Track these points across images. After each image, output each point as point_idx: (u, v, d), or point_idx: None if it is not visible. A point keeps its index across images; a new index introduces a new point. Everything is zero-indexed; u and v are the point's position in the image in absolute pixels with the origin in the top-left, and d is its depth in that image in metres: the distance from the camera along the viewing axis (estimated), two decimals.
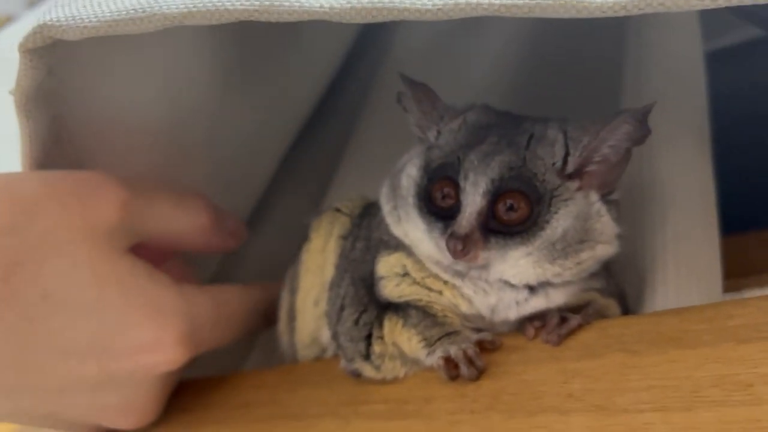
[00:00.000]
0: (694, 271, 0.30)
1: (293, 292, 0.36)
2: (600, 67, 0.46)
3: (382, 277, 0.31)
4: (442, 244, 0.28)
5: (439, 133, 0.30)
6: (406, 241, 0.31)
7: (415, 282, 0.30)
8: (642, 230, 0.33)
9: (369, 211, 0.35)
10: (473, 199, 0.27)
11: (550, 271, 0.28)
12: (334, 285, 0.33)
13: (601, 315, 0.30)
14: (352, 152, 0.51)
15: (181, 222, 0.35)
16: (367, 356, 0.31)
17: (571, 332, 0.28)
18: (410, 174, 0.30)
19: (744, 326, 0.23)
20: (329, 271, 0.35)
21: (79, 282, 0.31)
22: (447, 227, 0.28)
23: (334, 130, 0.55)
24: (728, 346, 0.23)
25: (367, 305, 0.31)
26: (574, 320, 0.28)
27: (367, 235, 0.33)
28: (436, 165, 0.29)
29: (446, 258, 0.28)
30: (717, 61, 0.40)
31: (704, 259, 0.31)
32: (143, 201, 0.33)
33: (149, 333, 0.32)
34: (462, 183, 0.28)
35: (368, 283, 0.32)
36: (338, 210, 0.36)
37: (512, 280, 0.29)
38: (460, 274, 0.29)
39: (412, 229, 0.30)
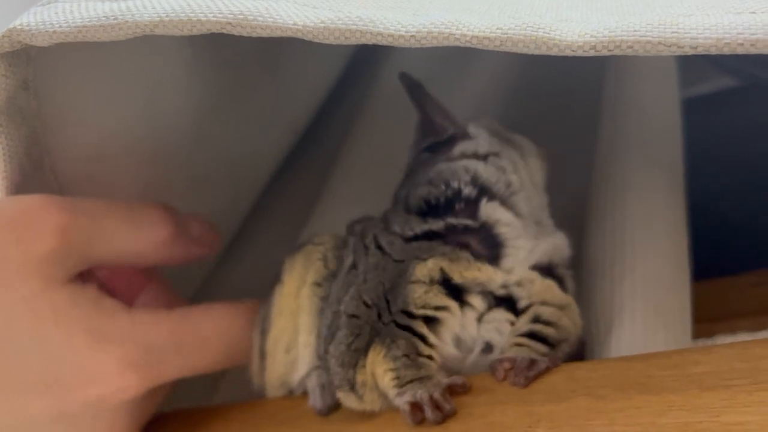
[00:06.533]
0: (663, 316, 0.30)
1: (264, 333, 0.35)
2: (583, 108, 0.46)
3: (416, 281, 0.29)
4: None
5: None
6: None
7: (451, 285, 0.29)
8: (612, 274, 0.32)
9: (351, 242, 0.33)
10: None
11: None
12: (333, 302, 0.31)
13: (562, 309, 0.30)
14: (334, 183, 0.51)
15: (136, 239, 0.33)
16: (353, 386, 0.29)
17: (540, 375, 0.27)
18: None
19: (709, 373, 0.23)
20: (303, 318, 0.33)
21: (14, 321, 0.29)
22: None
23: (320, 159, 0.54)
24: (693, 393, 0.23)
25: (362, 328, 0.29)
26: (543, 363, 0.27)
27: (378, 261, 0.30)
28: None
29: None
30: (693, 108, 0.41)
31: (674, 304, 0.31)
32: (88, 223, 0.31)
33: (92, 363, 0.30)
34: None
35: (375, 298, 0.29)
36: (309, 254, 0.35)
37: None
38: None
39: None
